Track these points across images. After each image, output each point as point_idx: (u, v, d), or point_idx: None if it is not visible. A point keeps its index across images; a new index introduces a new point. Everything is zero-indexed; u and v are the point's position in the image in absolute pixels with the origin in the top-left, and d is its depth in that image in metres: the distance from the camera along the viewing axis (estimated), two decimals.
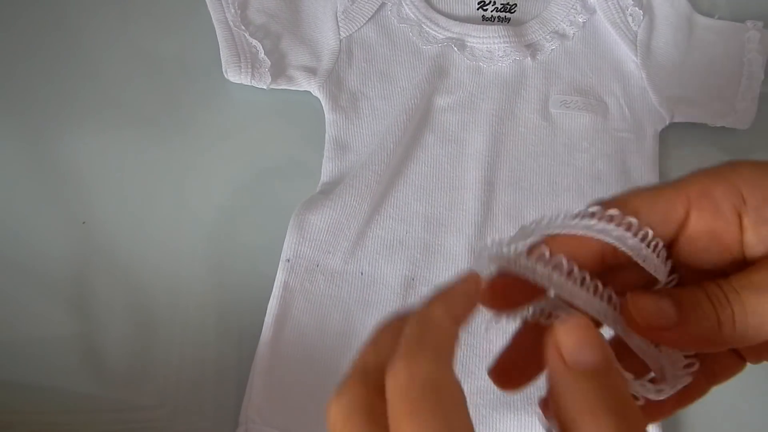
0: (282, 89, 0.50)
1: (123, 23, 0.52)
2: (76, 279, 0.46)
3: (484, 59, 0.51)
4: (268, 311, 0.45)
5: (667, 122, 0.51)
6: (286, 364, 0.44)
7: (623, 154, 0.50)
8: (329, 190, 0.48)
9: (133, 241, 0.47)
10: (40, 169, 0.49)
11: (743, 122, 0.51)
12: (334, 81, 0.51)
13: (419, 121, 0.50)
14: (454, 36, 0.52)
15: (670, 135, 0.51)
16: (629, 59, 0.52)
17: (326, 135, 0.50)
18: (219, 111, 0.51)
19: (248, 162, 0.50)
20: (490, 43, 0.51)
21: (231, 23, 0.50)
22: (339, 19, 0.52)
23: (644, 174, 0.49)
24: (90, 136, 0.49)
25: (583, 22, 0.53)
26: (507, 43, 0.51)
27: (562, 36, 0.52)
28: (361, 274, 0.46)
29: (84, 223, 0.47)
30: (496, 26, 0.52)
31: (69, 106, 0.50)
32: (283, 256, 0.46)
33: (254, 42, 0.49)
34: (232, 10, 0.50)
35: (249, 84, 0.49)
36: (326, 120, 0.50)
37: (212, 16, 0.50)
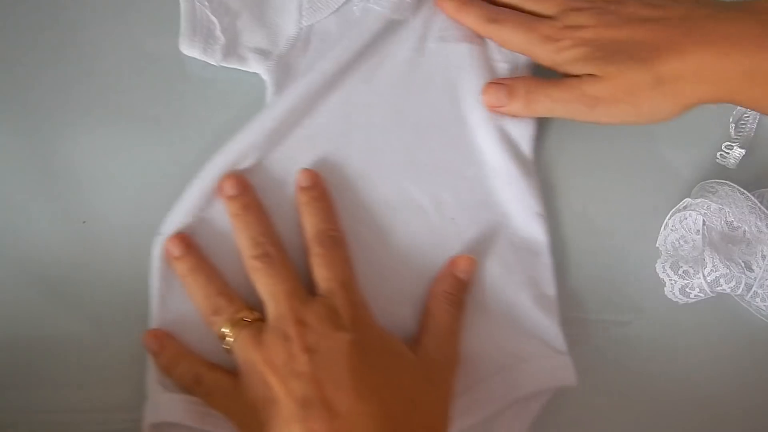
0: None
1: (121, 21, 0.52)
2: (76, 279, 0.46)
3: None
4: None
5: None
6: None
7: None
8: None
9: (134, 240, 0.47)
10: (40, 168, 0.49)
11: None
12: (283, 67, 0.50)
13: None
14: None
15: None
16: None
17: None
18: (219, 109, 0.50)
19: None
20: None
21: None
22: (303, 7, 0.51)
23: None
24: (90, 134, 0.49)
25: None
26: None
27: None
28: None
29: (84, 222, 0.47)
30: None
31: (68, 105, 0.50)
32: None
33: (213, 18, 0.49)
34: None
35: (200, 59, 0.49)
36: (267, 103, 0.49)
37: None
